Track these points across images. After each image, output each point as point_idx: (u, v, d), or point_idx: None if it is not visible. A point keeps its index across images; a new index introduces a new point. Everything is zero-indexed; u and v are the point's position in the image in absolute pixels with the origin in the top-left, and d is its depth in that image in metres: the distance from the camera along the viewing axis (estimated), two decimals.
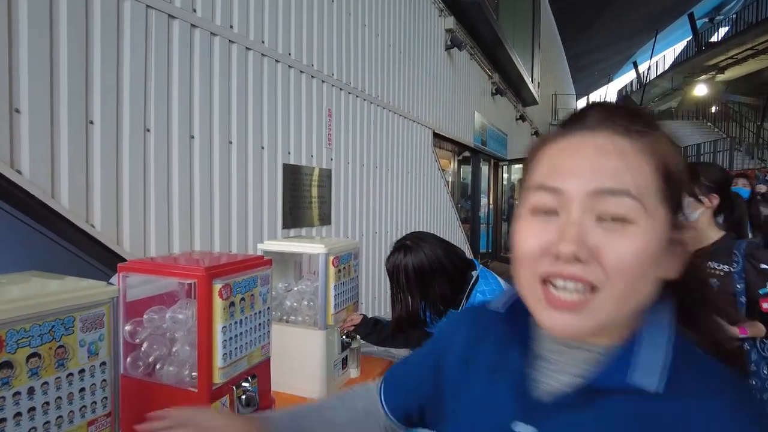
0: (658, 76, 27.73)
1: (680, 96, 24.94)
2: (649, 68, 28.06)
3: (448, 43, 6.29)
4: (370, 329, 1.83)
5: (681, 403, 0.49)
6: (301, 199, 3.27)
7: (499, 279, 1.58)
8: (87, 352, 0.88)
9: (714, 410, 0.49)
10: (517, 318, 0.62)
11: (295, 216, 3.20)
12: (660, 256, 0.51)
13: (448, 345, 0.73)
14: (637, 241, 0.49)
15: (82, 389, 0.88)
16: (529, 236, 0.53)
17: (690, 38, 24.43)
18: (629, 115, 0.54)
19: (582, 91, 33.82)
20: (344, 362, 1.83)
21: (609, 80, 35.90)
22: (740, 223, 1.94)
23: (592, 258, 0.49)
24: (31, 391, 0.79)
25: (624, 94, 27.76)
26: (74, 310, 0.86)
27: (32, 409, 0.79)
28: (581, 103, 33.20)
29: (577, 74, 29.06)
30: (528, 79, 11.24)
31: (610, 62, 31.78)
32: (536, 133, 15.52)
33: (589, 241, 0.49)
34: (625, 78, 39.16)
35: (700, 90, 22.26)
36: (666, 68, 27.27)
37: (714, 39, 22.55)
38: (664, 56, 29.41)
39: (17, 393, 0.76)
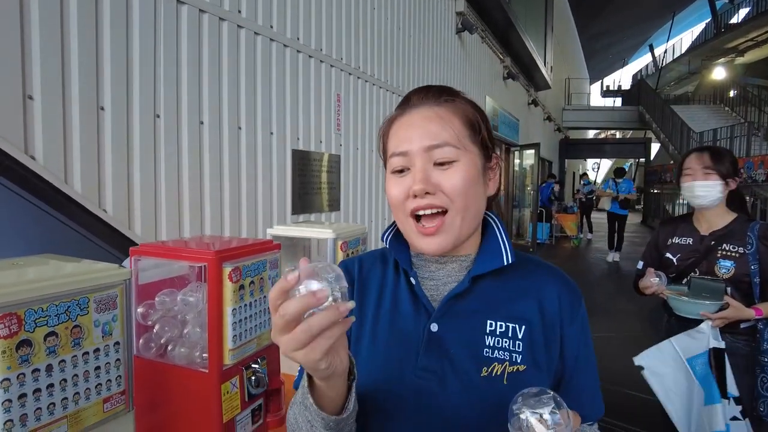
0: (674, 60, 27.16)
1: (697, 80, 24.45)
2: (665, 51, 27.50)
3: (459, 26, 6.21)
4: None
5: (528, 267, 0.82)
6: (310, 184, 3.29)
7: None
8: (101, 332, 0.91)
9: (549, 268, 0.83)
10: (398, 249, 0.84)
11: (304, 201, 3.22)
12: (480, 179, 0.77)
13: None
14: (462, 171, 0.73)
15: (97, 368, 0.91)
16: (394, 187, 0.77)
17: (709, 20, 23.85)
18: (438, 91, 0.80)
19: (596, 76, 33.26)
20: None
21: (624, 64, 35.25)
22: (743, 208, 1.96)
23: (437, 190, 0.72)
24: (49, 368, 0.82)
25: (639, 78, 27.24)
26: (89, 291, 0.88)
27: (50, 385, 0.82)
28: (595, 88, 32.69)
29: (591, 58, 28.55)
30: (540, 63, 11.07)
31: (625, 45, 31.17)
32: (549, 118, 15.34)
33: (432, 179, 0.73)
34: (641, 62, 38.45)
35: (718, 73, 21.80)
36: (683, 51, 26.69)
37: (734, 20, 21.98)
38: (681, 39, 28.77)
39: (36, 370, 0.80)
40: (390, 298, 0.82)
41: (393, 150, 0.78)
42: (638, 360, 1.91)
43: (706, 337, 1.72)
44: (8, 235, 2.25)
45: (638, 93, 22.06)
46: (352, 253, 1.79)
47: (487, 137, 0.80)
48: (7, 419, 0.76)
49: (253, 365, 1.30)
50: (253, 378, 1.29)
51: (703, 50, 22.93)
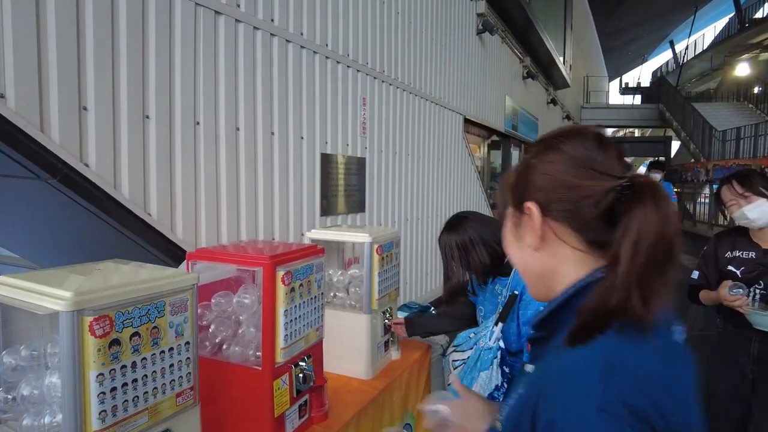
0: (696, 56, 26.70)
1: (720, 76, 24.02)
2: (686, 47, 27.03)
3: (480, 27, 6.24)
4: (421, 326, 1.99)
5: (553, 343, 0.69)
6: (337, 187, 3.37)
7: None
8: (175, 333, 0.99)
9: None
10: None
11: (331, 204, 3.30)
12: (516, 232, 0.75)
13: None
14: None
15: (171, 365, 0.99)
16: None
17: (732, 15, 23.40)
18: None
19: (614, 73, 32.86)
20: (386, 345, 1.93)
21: (643, 60, 34.75)
22: None
23: None
24: (134, 365, 0.90)
25: (659, 75, 26.85)
26: (165, 295, 0.97)
27: (135, 380, 0.90)
28: (614, 85, 32.28)
29: (609, 55, 28.22)
30: (559, 62, 11.02)
31: (644, 42, 30.72)
32: (567, 117, 15.24)
33: None
34: (661, 58, 37.85)
35: (742, 69, 21.39)
36: (705, 47, 26.23)
37: (759, 15, 21.52)
38: (703, 35, 28.26)
39: (124, 366, 0.88)
40: None
41: None
42: None
43: None
44: (64, 238, 2.38)
45: (658, 90, 21.77)
46: (387, 256, 1.86)
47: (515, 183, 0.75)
48: (102, 410, 0.84)
49: (300, 363, 1.37)
50: (300, 375, 1.37)
51: (726, 46, 22.51)
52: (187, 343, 1.02)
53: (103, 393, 0.85)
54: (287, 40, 2.84)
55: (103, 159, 1.89)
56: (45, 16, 1.68)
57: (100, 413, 0.84)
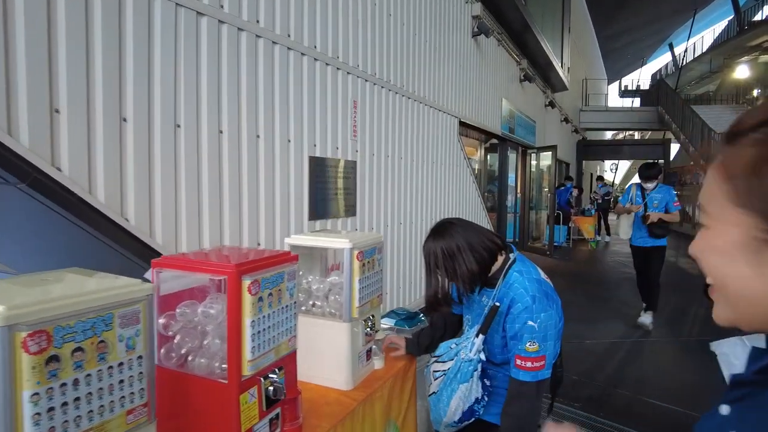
0: (695, 59, 26.70)
1: (719, 79, 24.00)
2: (686, 50, 27.00)
3: (475, 30, 6.20)
4: (420, 343, 1.95)
5: None
6: (327, 191, 3.32)
7: (536, 266, 1.61)
8: (125, 347, 0.94)
9: None
10: None
11: (320, 208, 3.25)
12: (736, 253, 0.56)
13: None
14: (703, 240, 0.61)
15: (121, 381, 0.93)
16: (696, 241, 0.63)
17: (732, 17, 23.39)
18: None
19: (614, 76, 32.84)
20: (368, 353, 1.87)
21: (643, 63, 34.73)
22: None
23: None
24: (76, 382, 0.84)
25: (658, 78, 26.82)
26: (113, 307, 0.91)
27: (77, 399, 0.85)
28: (613, 88, 32.26)
29: (608, 57, 28.20)
30: (557, 65, 10.98)
31: (644, 44, 30.71)
32: (566, 120, 15.19)
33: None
34: (660, 61, 37.85)
35: (742, 72, 21.37)
36: (704, 50, 26.22)
37: (758, 17, 21.51)
38: (702, 37, 28.26)
39: (64, 384, 0.82)
40: None
41: None
42: (714, 346, 1.92)
43: None
44: (36, 245, 2.32)
45: (657, 93, 21.72)
46: (368, 262, 1.81)
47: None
48: None
49: (270, 375, 1.32)
50: (271, 388, 1.31)
51: (726, 48, 22.50)
52: (140, 357, 0.97)
53: (39, 414, 0.79)
54: (274, 42, 2.79)
55: (76, 163, 1.84)
56: (13, 14, 1.63)
57: None
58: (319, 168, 3.20)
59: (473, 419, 1.58)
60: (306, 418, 1.48)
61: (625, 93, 29.93)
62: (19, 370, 0.77)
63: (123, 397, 0.94)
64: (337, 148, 3.43)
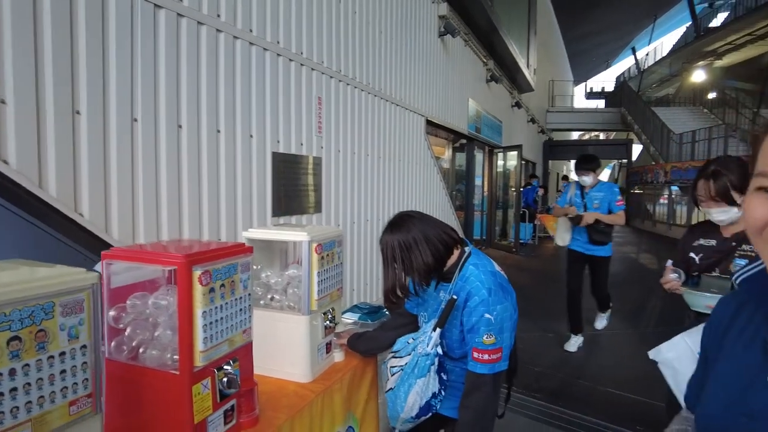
0: (656, 62, 27.64)
1: (678, 82, 24.89)
2: (647, 54, 27.94)
3: (442, 29, 6.27)
4: (361, 341, 1.93)
5: None
6: (291, 187, 3.30)
7: (491, 259, 1.64)
8: (67, 336, 0.92)
9: None
10: (759, 287, 0.74)
11: (285, 204, 3.23)
12: None
13: (714, 325, 0.84)
14: None
15: (63, 371, 0.92)
16: (758, 207, 0.63)
17: (689, 23, 24.30)
18: None
19: (580, 77, 33.66)
20: (328, 346, 1.88)
21: (607, 66, 35.73)
22: None
23: None
24: (12, 372, 0.83)
25: (621, 81, 27.63)
26: (54, 295, 0.89)
27: (14, 389, 0.83)
28: (579, 90, 33.09)
29: (574, 60, 28.90)
30: (524, 66, 11.20)
31: (608, 48, 31.60)
32: (532, 120, 15.48)
33: None
34: (624, 64, 38.99)
35: (698, 76, 22.21)
36: (665, 54, 27.15)
37: (713, 24, 22.42)
38: (662, 42, 29.28)
39: None
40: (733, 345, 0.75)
41: (762, 169, 0.63)
42: (652, 354, 1.99)
43: None
44: None
45: (621, 95, 22.41)
46: (327, 255, 1.81)
47: None
48: None
49: (224, 367, 1.31)
50: (225, 379, 1.30)
51: (684, 53, 23.36)
52: (84, 346, 0.95)
53: None
54: (235, 36, 2.77)
55: (25, 155, 1.78)
56: None
57: None
58: (282, 164, 3.19)
59: (430, 414, 1.60)
60: (263, 410, 1.48)
61: (590, 95, 30.73)
62: None
63: (65, 387, 0.92)
64: (302, 144, 3.42)
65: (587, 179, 4.22)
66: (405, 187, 5.28)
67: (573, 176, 17.82)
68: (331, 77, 3.77)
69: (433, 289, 1.67)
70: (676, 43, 27.31)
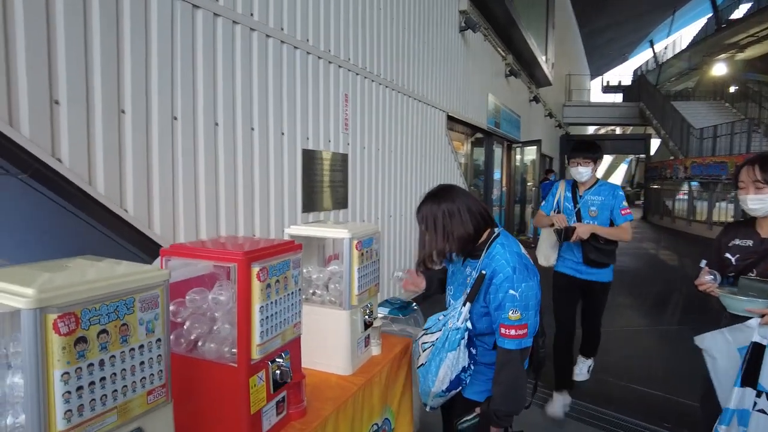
0: (675, 56, 27.15)
1: (698, 76, 24.44)
2: (666, 47, 27.47)
3: (462, 24, 6.26)
4: (436, 279, 1.95)
5: None
6: (319, 183, 3.35)
7: (518, 241, 1.68)
8: (145, 330, 0.97)
9: None
10: None
11: (313, 200, 3.28)
12: None
13: None
14: None
15: (142, 363, 0.97)
16: None
17: (710, 15, 23.82)
18: None
19: (596, 71, 33.23)
20: (366, 340, 1.93)
21: (624, 60, 35.22)
22: None
23: None
24: (101, 363, 0.88)
25: (639, 74, 27.22)
26: (134, 291, 0.95)
27: (102, 378, 0.88)
28: (596, 84, 32.66)
29: (591, 54, 28.54)
30: (542, 60, 11.11)
31: (626, 41, 31.14)
32: (550, 115, 15.37)
33: None
34: (641, 57, 38.38)
35: (719, 69, 21.78)
36: (684, 47, 26.68)
37: (735, 16, 21.95)
38: (681, 35, 28.78)
39: (91, 364, 0.86)
40: None
41: None
42: (697, 341, 2.03)
43: (753, 331, 1.84)
44: (35, 236, 2.32)
45: (639, 89, 22.09)
46: (367, 252, 1.86)
47: None
48: (67, 409, 0.82)
49: (277, 359, 1.36)
50: (277, 372, 1.35)
51: (704, 46, 22.91)
52: (158, 340, 1.00)
53: (69, 392, 0.82)
54: (267, 35, 2.81)
55: (76, 154, 1.85)
56: (12, 7, 1.63)
57: (65, 413, 0.82)
58: (311, 160, 3.23)
59: (460, 388, 1.64)
60: (309, 402, 1.53)
61: (607, 89, 30.31)
62: (50, 351, 0.81)
63: (144, 378, 0.98)
64: (329, 141, 3.46)
65: (585, 172, 3.03)
66: (426, 182, 5.31)
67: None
68: (357, 74, 3.80)
69: (460, 265, 1.72)
70: (696, 35, 26.78)
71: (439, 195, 1.66)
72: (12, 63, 1.64)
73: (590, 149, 3.06)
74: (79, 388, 0.84)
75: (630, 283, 4.44)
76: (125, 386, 0.93)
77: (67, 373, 0.82)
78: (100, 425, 0.89)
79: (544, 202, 3.31)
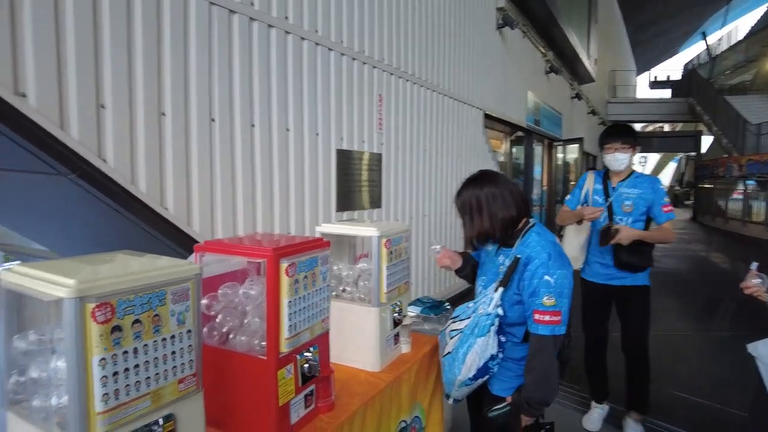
0: (730, 47, 25.83)
1: (756, 68, 23.16)
2: (720, 39, 26.15)
3: (500, 22, 6.18)
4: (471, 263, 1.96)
5: None
6: (353, 183, 3.39)
7: (554, 234, 1.67)
8: (176, 321, 1.02)
9: None
10: None
11: (347, 199, 3.32)
12: None
13: None
14: None
15: (173, 352, 1.02)
16: None
17: None
18: None
19: (643, 66, 32.00)
20: (396, 338, 1.94)
21: (673, 53, 33.77)
22: None
23: None
24: (135, 351, 0.93)
25: (690, 68, 26.05)
26: (166, 284, 0.99)
27: (136, 366, 0.94)
28: (642, 80, 31.46)
29: (637, 48, 27.50)
30: (584, 56, 10.81)
31: (675, 34, 29.81)
32: (593, 112, 14.93)
33: None
34: (692, 51, 36.70)
35: None
36: (740, 38, 25.34)
37: None
38: (737, 26, 27.32)
39: (125, 352, 0.91)
40: None
41: None
42: (750, 348, 1.95)
43: None
44: (81, 232, 2.46)
45: (689, 84, 21.14)
46: (396, 250, 1.87)
47: None
48: (104, 393, 0.88)
49: (306, 353, 1.39)
50: (306, 365, 1.39)
51: (763, 36, 21.68)
52: (189, 331, 1.05)
53: (106, 377, 0.88)
54: (302, 38, 2.87)
55: (120, 155, 1.95)
56: (63, 17, 1.74)
57: (102, 396, 0.88)
58: (345, 160, 3.28)
59: (487, 377, 1.63)
60: (338, 396, 1.56)
61: (655, 84, 29.17)
62: (89, 338, 0.86)
63: (175, 366, 1.03)
64: (363, 141, 3.50)
65: (623, 159, 2.61)
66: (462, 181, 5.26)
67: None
68: (391, 74, 3.82)
69: (493, 255, 1.71)
70: (755, 25, 25.38)
71: (482, 179, 1.68)
72: (63, 70, 1.75)
73: (629, 132, 2.67)
74: (115, 373, 0.90)
75: (676, 286, 4.21)
76: (157, 374, 0.98)
77: (104, 358, 0.88)
78: (135, 409, 0.94)
79: (569, 196, 2.90)
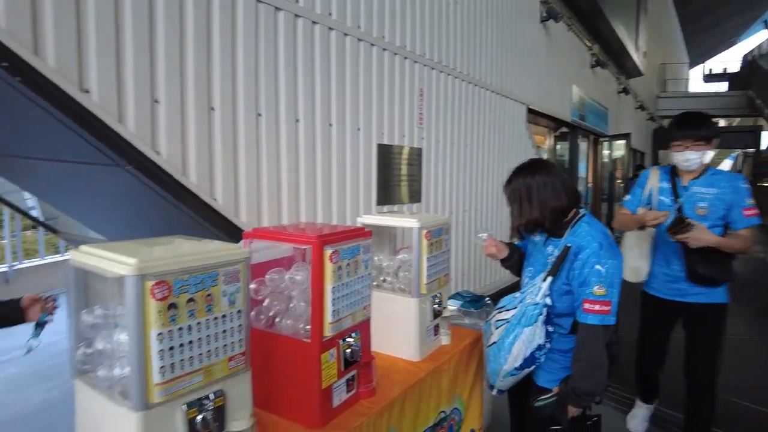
0: None
1: None
2: None
3: (544, 15, 6.04)
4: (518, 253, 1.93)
5: None
6: (393, 177, 3.41)
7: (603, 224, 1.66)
8: (228, 301, 1.07)
9: None
10: None
11: (387, 193, 3.35)
12: None
13: None
14: None
15: (224, 331, 1.07)
16: None
17: None
18: None
19: (697, 59, 30.49)
20: (436, 329, 1.95)
21: (731, 45, 32.04)
22: None
23: None
24: (189, 328, 0.99)
25: (749, 60, 24.63)
26: (219, 266, 1.05)
27: (190, 342, 0.99)
28: (696, 73, 29.97)
29: (691, 39, 26.21)
30: (632, 49, 10.42)
31: (732, 24, 28.22)
32: (641, 107, 14.38)
33: None
34: (752, 41, 34.68)
35: None
36: None
37: None
38: None
39: (180, 328, 0.97)
40: None
41: None
42: None
43: None
44: (136, 221, 2.59)
45: (748, 76, 20.01)
46: (436, 242, 1.88)
47: None
48: (161, 365, 0.93)
49: (348, 339, 1.43)
50: (348, 350, 1.42)
51: None
52: (239, 311, 1.10)
53: (163, 350, 0.94)
54: (345, 33, 2.91)
55: (172, 147, 2.04)
56: (123, 20, 1.84)
57: (160, 368, 0.94)
58: (386, 155, 3.30)
59: (533, 366, 1.62)
60: (379, 383, 1.58)
61: (710, 77, 27.77)
62: (148, 313, 0.92)
63: (225, 345, 1.08)
64: (404, 136, 3.51)
65: (695, 159, 2.20)
66: (504, 177, 5.19)
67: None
68: (432, 68, 3.81)
69: (541, 245, 1.70)
70: None
71: (533, 167, 1.67)
72: (122, 67, 1.85)
73: (704, 125, 2.21)
74: (171, 348, 0.95)
75: (732, 288, 3.94)
76: (209, 351, 1.04)
77: (161, 333, 0.93)
78: (188, 383, 1.00)
79: (628, 196, 2.50)
